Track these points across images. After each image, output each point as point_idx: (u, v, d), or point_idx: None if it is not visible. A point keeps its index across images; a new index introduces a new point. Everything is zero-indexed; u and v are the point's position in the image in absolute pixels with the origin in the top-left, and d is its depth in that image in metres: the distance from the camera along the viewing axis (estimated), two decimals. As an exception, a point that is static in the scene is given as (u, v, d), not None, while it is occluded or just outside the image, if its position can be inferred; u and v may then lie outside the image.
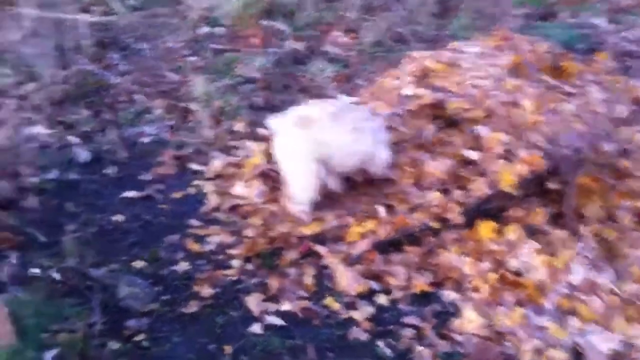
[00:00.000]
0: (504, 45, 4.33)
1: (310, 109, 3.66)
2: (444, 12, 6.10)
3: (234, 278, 3.27)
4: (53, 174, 4.01)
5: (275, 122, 3.64)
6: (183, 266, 3.34)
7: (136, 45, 5.90)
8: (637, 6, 6.54)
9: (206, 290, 3.19)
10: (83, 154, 4.22)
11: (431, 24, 5.88)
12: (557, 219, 3.51)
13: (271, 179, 3.94)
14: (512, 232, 3.38)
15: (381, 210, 3.55)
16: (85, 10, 6.45)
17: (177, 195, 3.91)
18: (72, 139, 4.37)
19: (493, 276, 3.22)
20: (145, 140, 4.42)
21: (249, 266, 3.35)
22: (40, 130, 4.40)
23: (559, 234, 3.37)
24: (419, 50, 5.25)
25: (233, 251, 3.44)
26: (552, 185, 3.51)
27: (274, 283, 3.23)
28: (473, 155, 3.75)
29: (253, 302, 3.12)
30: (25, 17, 5.21)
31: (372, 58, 5.38)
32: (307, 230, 3.50)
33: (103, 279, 3.18)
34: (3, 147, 4.14)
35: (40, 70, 4.96)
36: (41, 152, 4.21)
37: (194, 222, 3.67)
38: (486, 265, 3.27)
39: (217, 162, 4.13)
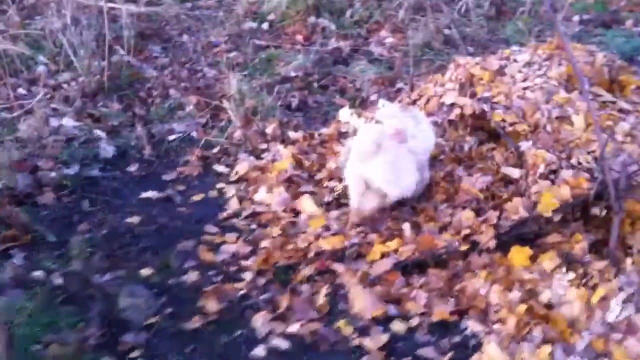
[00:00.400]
0: (558, 55, 4.00)
1: (392, 118, 3.41)
2: (499, 14, 5.76)
3: (243, 292, 3.08)
4: (74, 169, 3.90)
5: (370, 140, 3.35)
6: (192, 276, 3.17)
7: (179, 38, 5.80)
8: None
9: (212, 305, 3.00)
10: (108, 150, 4.11)
11: (484, 27, 5.56)
12: (598, 248, 3.19)
13: (297, 185, 3.75)
14: (548, 260, 3.07)
15: (407, 228, 3.30)
16: (131, 0, 6.39)
17: (197, 197, 3.75)
18: (99, 133, 4.27)
19: (522, 308, 2.92)
20: (174, 137, 4.29)
21: (261, 280, 3.15)
22: (67, 122, 4.31)
23: (598, 265, 3.05)
24: (469, 54, 4.99)
25: (246, 263, 3.25)
26: (595, 210, 3.19)
27: (284, 301, 3.02)
28: (514, 173, 3.47)
29: (260, 321, 2.92)
30: (67, 4, 5.15)
31: (418, 61, 5.10)
32: (327, 245, 3.28)
33: (106, 286, 3.04)
34: (29, 139, 4.07)
35: (77, 60, 4.88)
36: (65, 145, 4.12)
37: (210, 228, 3.50)
38: (516, 295, 2.97)
39: (243, 165, 3.96)
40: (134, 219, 3.54)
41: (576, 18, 5.71)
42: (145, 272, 3.18)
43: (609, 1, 6.18)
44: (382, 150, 3.28)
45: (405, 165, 3.32)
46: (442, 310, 2.96)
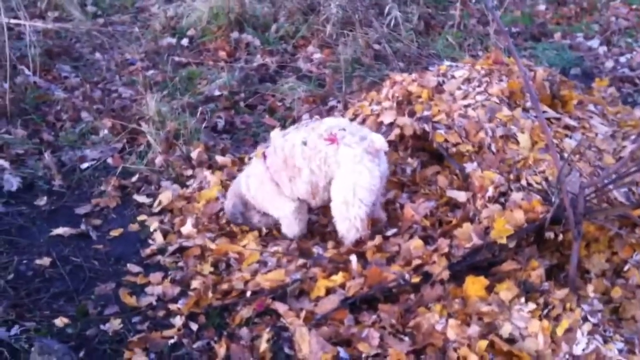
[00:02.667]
0: (497, 70, 3.83)
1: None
2: (428, 29, 5.61)
3: (174, 341, 2.73)
4: (-28, 206, 3.45)
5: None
6: (114, 325, 2.80)
7: (91, 56, 5.37)
8: (632, 28, 6.09)
9: (139, 357, 2.64)
10: (12, 182, 3.66)
11: (414, 42, 5.38)
12: (555, 274, 3.01)
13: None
14: (505, 290, 2.86)
15: (353, 261, 3.02)
16: (39, 16, 5.92)
17: (115, 233, 3.38)
18: (2, 163, 3.81)
19: (482, 344, 2.69)
20: (87, 165, 3.87)
21: (193, 325, 2.80)
22: (-35, 153, 3.84)
23: (559, 293, 2.86)
24: (400, 69, 4.80)
25: (175, 306, 2.90)
26: (549, 234, 3.01)
27: (221, 348, 2.68)
28: (460, 196, 3.26)
29: (194, 374, 2.58)
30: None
31: (348, 77, 4.86)
32: (265, 282, 2.96)
33: (14, 341, 2.63)
34: None
35: (-24, 82, 4.40)
36: (-37, 178, 3.65)
37: (132, 267, 3.15)
38: (475, 329, 2.75)
39: (167, 194, 3.61)
40: (44, 261, 3.15)
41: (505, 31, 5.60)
42: (59, 322, 2.79)
43: (535, 14, 6.15)
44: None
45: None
46: (397, 351, 2.68)
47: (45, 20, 5.86)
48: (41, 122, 4.28)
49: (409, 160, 3.52)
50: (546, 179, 3.20)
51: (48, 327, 2.75)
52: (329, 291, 2.92)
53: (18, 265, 3.09)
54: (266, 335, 2.75)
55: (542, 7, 6.35)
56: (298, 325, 2.77)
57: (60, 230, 3.33)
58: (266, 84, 4.91)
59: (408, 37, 5.43)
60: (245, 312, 2.86)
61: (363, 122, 3.87)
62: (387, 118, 3.72)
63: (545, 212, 2.98)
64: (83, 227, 3.38)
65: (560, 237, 2.99)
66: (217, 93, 4.69)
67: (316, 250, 3.20)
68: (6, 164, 3.79)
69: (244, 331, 2.78)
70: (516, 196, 3.12)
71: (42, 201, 3.57)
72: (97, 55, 5.35)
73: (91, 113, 4.35)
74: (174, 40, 5.55)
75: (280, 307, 2.86)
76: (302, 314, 2.82)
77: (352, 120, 3.95)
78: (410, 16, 5.67)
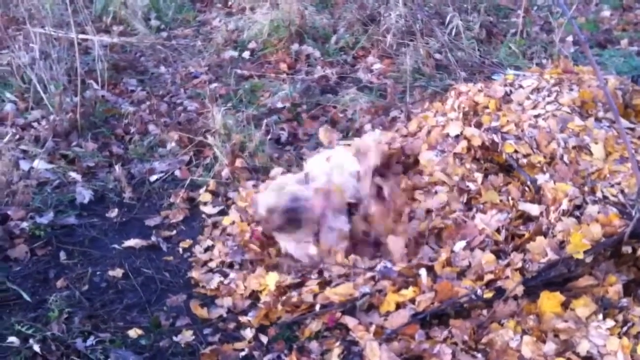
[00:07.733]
0: (567, 80, 3.75)
1: None
2: (490, 37, 5.54)
3: (245, 353, 2.74)
4: (47, 218, 3.53)
5: None
6: (186, 336, 2.83)
7: (155, 70, 5.47)
8: None
9: (211, 370, 2.66)
10: (84, 194, 3.74)
11: (476, 51, 5.32)
12: (633, 290, 2.92)
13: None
14: (582, 307, 2.78)
15: (423, 275, 2.98)
16: (104, 30, 6.06)
17: (185, 244, 3.41)
18: (74, 175, 3.90)
19: (559, 362, 2.63)
20: (155, 178, 3.93)
21: (263, 338, 2.81)
22: (39, 165, 3.92)
23: (638, 310, 2.77)
24: (462, 79, 4.75)
25: (245, 318, 2.92)
26: (627, 249, 2.92)
27: (292, 363, 2.68)
28: (533, 209, 3.18)
29: (266, 388, 2.58)
30: (35, 37, 4.80)
31: (410, 87, 4.83)
32: (334, 296, 2.95)
33: (90, 352, 2.68)
34: (-4, 185, 3.69)
35: (47, 96, 4.51)
36: (37, 190, 3.74)
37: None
38: (551, 347, 2.68)
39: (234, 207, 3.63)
40: (117, 272, 3.19)
41: (569, 39, 5.50)
42: (133, 333, 2.83)
43: (600, 20, 6.01)
44: None
45: None
46: (470, 368, 2.64)
47: (111, 34, 5.98)
48: (110, 135, 4.37)
49: (475, 174, 3.45)
50: (622, 191, 3.11)
51: (122, 338, 2.79)
52: (399, 305, 2.89)
53: (92, 277, 3.15)
54: (337, 349, 2.74)
55: (606, 13, 6.21)
56: (368, 340, 2.74)
57: (131, 242, 3.39)
58: (327, 95, 4.91)
59: (470, 45, 5.36)
60: (314, 325, 2.85)
61: (428, 133, 3.83)
62: (453, 130, 3.67)
63: (623, 225, 2.89)
64: (153, 238, 3.43)
65: (639, 251, 2.91)
66: (279, 105, 4.72)
67: (384, 263, 3.17)
68: (78, 177, 3.88)
69: (314, 345, 2.77)
70: (592, 209, 3.03)
71: (113, 213, 3.64)
72: (162, 68, 5.44)
73: (158, 126, 4.42)
74: (236, 53, 5.61)
75: (350, 321, 2.85)
76: (372, 329, 2.80)
77: (416, 132, 3.93)
78: (471, 25, 5.61)
